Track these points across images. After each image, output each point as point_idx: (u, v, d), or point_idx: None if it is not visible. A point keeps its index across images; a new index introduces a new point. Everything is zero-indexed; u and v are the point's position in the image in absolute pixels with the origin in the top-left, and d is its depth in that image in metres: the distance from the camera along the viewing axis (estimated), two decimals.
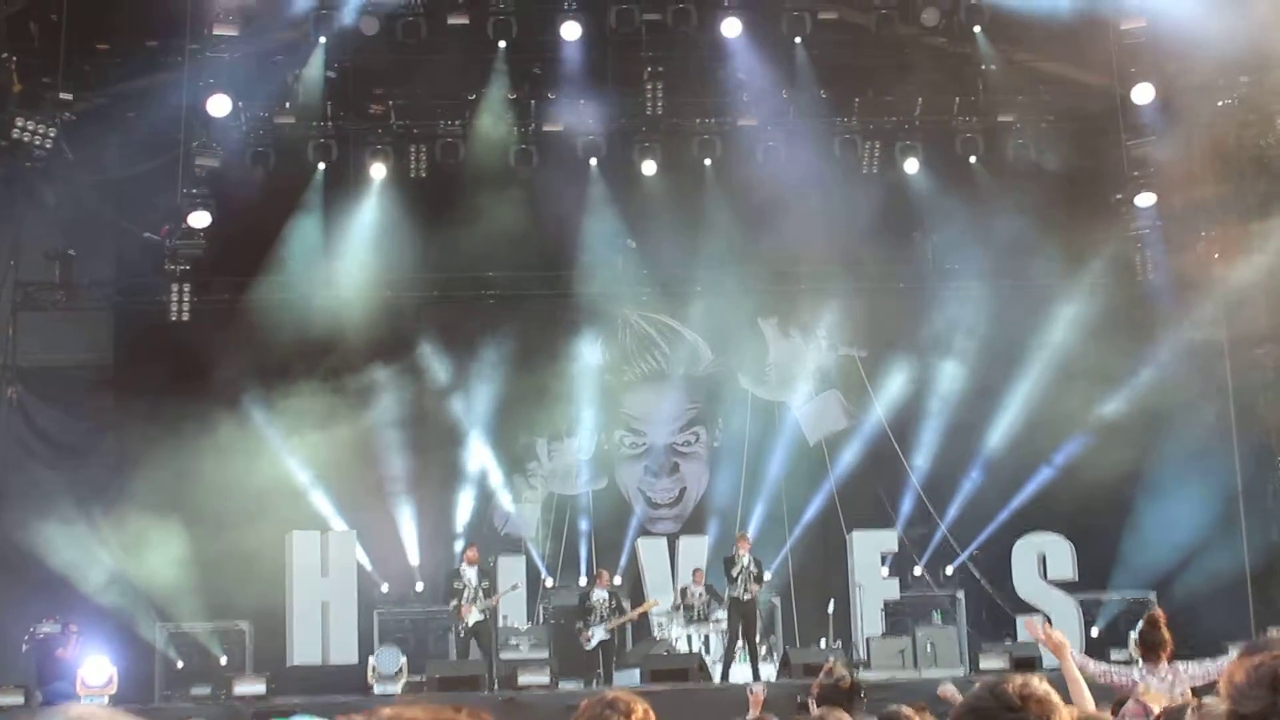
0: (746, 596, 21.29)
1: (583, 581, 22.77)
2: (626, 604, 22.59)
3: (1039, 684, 3.73)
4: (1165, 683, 10.85)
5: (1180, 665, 11.36)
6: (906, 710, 7.64)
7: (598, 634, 21.70)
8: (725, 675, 21.03)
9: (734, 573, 21.36)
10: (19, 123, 21.42)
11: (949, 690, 12.72)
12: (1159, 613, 11.86)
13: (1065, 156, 23.74)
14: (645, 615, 23.18)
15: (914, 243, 25.19)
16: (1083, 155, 23.71)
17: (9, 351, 23.60)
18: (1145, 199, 23.40)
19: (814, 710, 17.34)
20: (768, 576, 22.22)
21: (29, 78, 21.81)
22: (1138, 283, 24.08)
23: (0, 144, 21.70)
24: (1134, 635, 11.97)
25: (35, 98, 21.84)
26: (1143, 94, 22.54)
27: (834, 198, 23.74)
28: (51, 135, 21.64)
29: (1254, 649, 4.82)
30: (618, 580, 23.69)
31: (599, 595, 22.08)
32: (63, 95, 22.03)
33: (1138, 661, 11.73)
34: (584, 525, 24.75)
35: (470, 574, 21.47)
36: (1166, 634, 11.43)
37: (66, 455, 23.80)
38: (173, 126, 22.01)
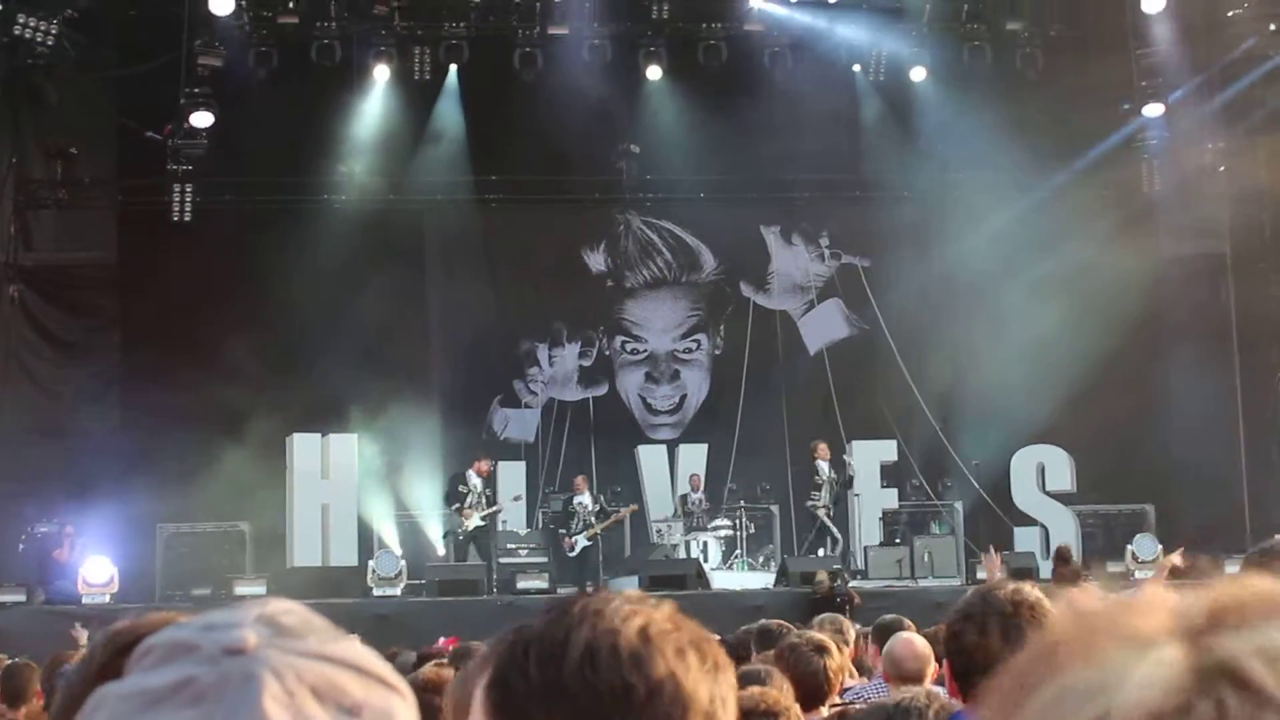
0: (821, 509, 21.84)
1: (576, 487, 22.72)
2: (619, 509, 22.65)
3: (1030, 590, 3.74)
4: None
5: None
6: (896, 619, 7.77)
7: (580, 541, 21.77)
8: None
9: (817, 480, 21.80)
10: (20, 19, 21.24)
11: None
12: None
13: (1073, 65, 23.56)
14: (644, 522, 23.24)
15: (919, 151, 25.05)
16: (1091, 64, 23.53)
17: (11, 250, 23.51)
18: (1153, 109, 23.28)
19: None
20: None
21: None
22: (1144, 194, 23.96)
23: (1, 40, 21.52)
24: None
25: None
26: (1153, 3, 22.39)
27: (840, 105, 23.62)
28: (53, 33, 21.47)
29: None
30: (618, 488, 23.75)
31: (580, 501, 22.16)
32: None
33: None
34: (583, 431, 24.80)
35: (477, 482, 21.64)
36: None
37: (69, 354, 23.79)
38: (175, 25, 21.86)
